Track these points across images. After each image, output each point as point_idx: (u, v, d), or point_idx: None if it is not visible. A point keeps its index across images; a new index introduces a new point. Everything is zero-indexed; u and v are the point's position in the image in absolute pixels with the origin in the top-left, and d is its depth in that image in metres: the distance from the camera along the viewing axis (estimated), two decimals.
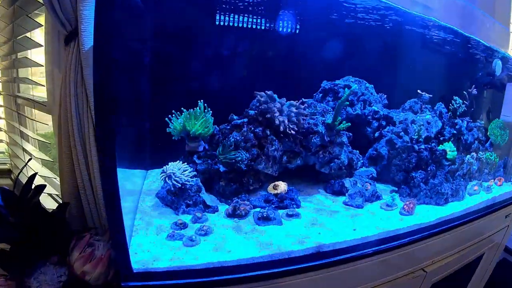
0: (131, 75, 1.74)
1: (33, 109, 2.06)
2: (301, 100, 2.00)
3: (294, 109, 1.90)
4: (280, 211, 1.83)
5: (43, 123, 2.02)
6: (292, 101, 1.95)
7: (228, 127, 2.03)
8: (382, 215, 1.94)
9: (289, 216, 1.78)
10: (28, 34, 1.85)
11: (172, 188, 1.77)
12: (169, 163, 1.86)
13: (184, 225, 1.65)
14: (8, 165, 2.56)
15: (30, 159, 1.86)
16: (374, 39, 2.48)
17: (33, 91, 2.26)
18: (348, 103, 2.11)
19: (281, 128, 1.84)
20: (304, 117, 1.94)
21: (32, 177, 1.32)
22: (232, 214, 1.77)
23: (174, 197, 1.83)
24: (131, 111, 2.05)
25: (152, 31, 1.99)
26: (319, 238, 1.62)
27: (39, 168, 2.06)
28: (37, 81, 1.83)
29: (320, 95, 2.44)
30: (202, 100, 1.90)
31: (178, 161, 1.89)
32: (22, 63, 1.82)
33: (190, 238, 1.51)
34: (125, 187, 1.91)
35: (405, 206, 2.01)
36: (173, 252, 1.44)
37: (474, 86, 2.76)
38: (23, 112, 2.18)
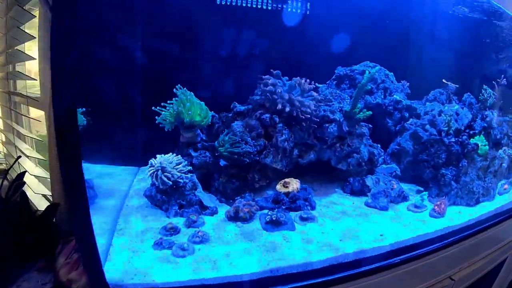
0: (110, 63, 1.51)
1: (29, 107, 1.82)
2: (313, 84, 1.72)
3: (306, 88, 1.60)
4: (292, 214, 1.53)
5: (37, 120, 1.77)
6: (300, 80, 1.64)
7: (230, 115, 1.74)
8: (411, 218, 1.66)
9: (303, 219, 1.48)
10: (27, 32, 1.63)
11: (161, 186, 1.48)
12: (158, 156, 1.56)
13: (175, 230, 1.37)
14: (4, 165, 2.32)
15: (19, 157, 1.59)
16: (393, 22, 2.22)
17: (27, 90, 2.03)
18: (369, 87, 1.82)
19: (294, 113, 1.54)
20: (318, 102, 1.65)
21: (20, 176, 1.14)
22: (234, 217, 1.47)
23: (165, 196, 1.54)
24: (116, 100, 1.80)
25: (140, 23, 1.75)
26: (340, 246, 1.32)
27: (33, 168, 1.80)
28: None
29: (334, 82, 2.16)
30: (182, 87, 1.60)
31: (170, 153, 1.59)
32: (15, 56, 1.61)
33: (181, 246, 1.22)
34: (105, 187, 1.62)
35: (435, 207, 1.73)
36: (158, 264, 1.15)
37: (503, 76, 2.49)
38: (19, 111, 1.94)
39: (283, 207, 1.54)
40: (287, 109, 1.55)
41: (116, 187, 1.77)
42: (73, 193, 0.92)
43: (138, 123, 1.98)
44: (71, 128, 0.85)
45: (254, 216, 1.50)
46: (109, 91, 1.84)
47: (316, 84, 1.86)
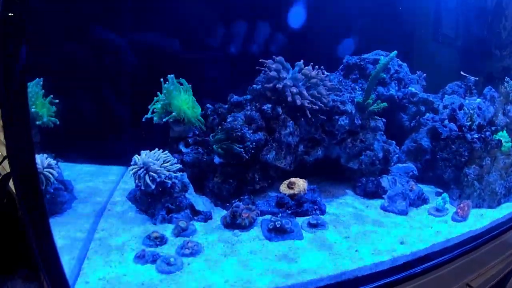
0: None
1: None
2: (321, 70, 1.51)
3: (313, 75, 1.39)
4: (299, 219, 1.32)
5: None
6: (308, 67, 1.44)
7: (226, 106, 1.53)
8: (432, 223, 1.47)
9: (312, 226, 1.26)
10: None
11: (143, 187, 1.26)
12: (143, 152, 1.34)
13: (161, 240, 1.17)
14: None
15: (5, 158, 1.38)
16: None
17: None
18: (384, 75, 1.62)
19: (297, 102, 1.33)
20: (328, 91, 1.43)
21: (4, 178, 0.94)
22: (231, 224, 1.26)
23: (150, 200, 1.32)
24: (103, 95, 1.63)
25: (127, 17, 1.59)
26: (358, 256, 1.11)
27: None
28: None
29: (342, 73, 1.95)
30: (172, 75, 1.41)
31: (156, 149, 1.37)
32: None
33: (166, 260, 1.03)
34: (86, 189, 1.43)
35: (459, 211, 1.55)
36: (140, 283, 0.93)
37: None
38: None
39: (288, 212, 1.33)
40: (293, 98, 1.34)
41: (99, 189, 1.57)
42: (27, 203, 0.71)
43: (127, 119, 1.80)
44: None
45: (255, 223, 1.29)
46: (94, 86, 1.67)
47: (324, 71, 1.67)
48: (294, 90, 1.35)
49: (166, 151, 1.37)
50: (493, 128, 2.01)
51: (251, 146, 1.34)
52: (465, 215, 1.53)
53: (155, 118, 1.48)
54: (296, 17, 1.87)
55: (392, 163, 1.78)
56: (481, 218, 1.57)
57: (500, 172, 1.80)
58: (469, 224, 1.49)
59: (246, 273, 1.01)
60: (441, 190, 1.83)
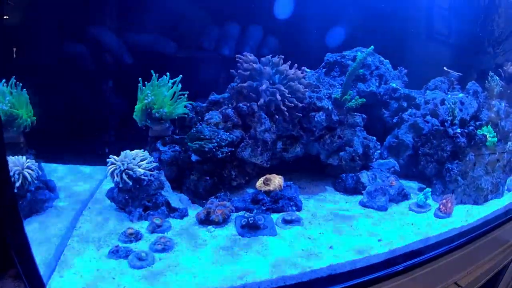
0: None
1: None
2: (302, 69, 1.52)
3: (291, 73, 1.40)
4: (274, 216, 1.32)
5: None
6: (285, 65, 1.44)
7: (205, 104, 1.55)
8: (414, 219, 1.45)
9: (287, 222, 1.27)
10: None
11: (121, 185, 1.28)
12: (122, 152, 1.38)
13: (136, 236, 1.19)
14: None
15: None
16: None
17: None
18: (362, 71, 1.62)
19: (276, 100, 1.34)
20: (304, 88, 1.44)
21: None
22: (205, 220, 1.27)
23: (128, 197, 1.34)
24: (86, 95, 1.65)
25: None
26: (331, 254, 1.10)
27: None
28: None
29: (324, 70, 1.96)
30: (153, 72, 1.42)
31: (136, 149, 1.40)
32: None
33: (138, 256, 1.05)
34: (70, 188, 1.46)
35: (441, 206, 1.53)
36: (110, 277, 0.95)
37: (510, 63, 2.29)
38: None
39: (263, 208, 1.33)
40: (267, 96, 1.35)
41: (82, 188, 1.60)
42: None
43: (112, 120, 1.82)
44: None
45: (229, 219, 1.30)
46: (77, 87, 1.70)
47: (305, 69, 1.67)
48: (265, 86, 1.36)
49: (145, 151, 1.39)
50: (477, 123, 2.00)
51: (222, 143, 1.35)
52: (448, 212, 1.51)
53: (138, 122, 1.50)
54: (284, 11, 1.87)
55: (374, 159, 1.78)
56: (466, 215, 1.54)
57: (485, 167, 1.79)
58: (452, 221, 1.46)
59: (216, 269, 1.02)
60: (425, 186, 1.81)
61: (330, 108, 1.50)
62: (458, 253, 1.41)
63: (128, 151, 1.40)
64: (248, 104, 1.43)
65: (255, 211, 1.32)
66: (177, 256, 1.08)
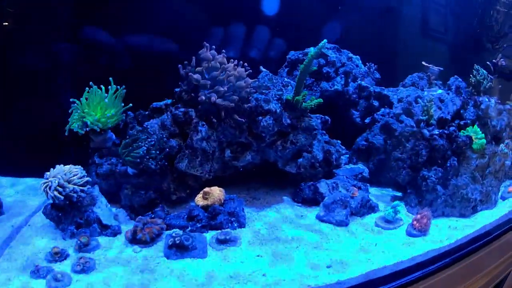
0: None
1: None
2: (246, 67, 1.36)
3: (231, 74, 1.25)
4: (209, 234, 1.16)
5: None
6: (229, 64, 1.28)
7: (147, 113, 1.42)
8: (379, 238, 1.24)
9: (221, 242, 1.10)
10: None
11: (53, 201, 1.18)
12: (56, 166, 1.29)
13: (61, 255, 1.13)
14: None
15: None
16: None
17: None
18: (315, 68, 1.45)
19: (212, 99, 1.16)
20: (247, 88, 1.28)
21: None
22: (132, 239, 1.13)
23: (61, 214, 1.25)
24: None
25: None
26: (263, 283, 0.93)
27: None
28: None
29: (286, 69, 1.80)
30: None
31: (71, 165, 1.30)
32: None
33: (54, 277, 1.00)
34: (18, 204, 1.40)
35: (415, 222, 1.31)
36: None
37: (500, 56, 2.07)
38: None
39: (198, 225, 1.17)
40: (212, 98, 1.19)
41: (31, 204, 1.51)
42: None
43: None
44: None
45: (160, 238, 1.15)
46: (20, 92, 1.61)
47: (262, 68, 1.52)
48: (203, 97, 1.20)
49: (78, 166, 1.29)
50: (461, 123, 1.79)
51: (152, 150, 1.21)
52: (424, 229, 1.28)
53: (78, 130, 1.39)
54: (271, 8, 1.75)
55: (341, 164, 1.60)
56: (448, 231, 1.32)
57: (472, 174, 1.56)
58: (429, 240, 1.24)
59: None
60: (400, 194, 1.61)
61: (278, 111, 1.33)
62: (436, 278, 1.17)
63: (62, 165, 1.32)
64: (185, 111, 1.29)
65: (189, 228, 1.17)
66: (96, 278, 0.99)
